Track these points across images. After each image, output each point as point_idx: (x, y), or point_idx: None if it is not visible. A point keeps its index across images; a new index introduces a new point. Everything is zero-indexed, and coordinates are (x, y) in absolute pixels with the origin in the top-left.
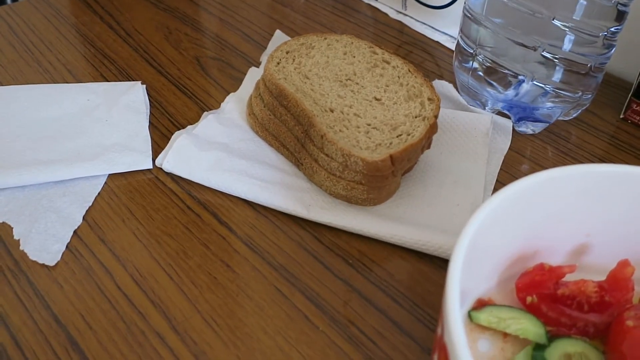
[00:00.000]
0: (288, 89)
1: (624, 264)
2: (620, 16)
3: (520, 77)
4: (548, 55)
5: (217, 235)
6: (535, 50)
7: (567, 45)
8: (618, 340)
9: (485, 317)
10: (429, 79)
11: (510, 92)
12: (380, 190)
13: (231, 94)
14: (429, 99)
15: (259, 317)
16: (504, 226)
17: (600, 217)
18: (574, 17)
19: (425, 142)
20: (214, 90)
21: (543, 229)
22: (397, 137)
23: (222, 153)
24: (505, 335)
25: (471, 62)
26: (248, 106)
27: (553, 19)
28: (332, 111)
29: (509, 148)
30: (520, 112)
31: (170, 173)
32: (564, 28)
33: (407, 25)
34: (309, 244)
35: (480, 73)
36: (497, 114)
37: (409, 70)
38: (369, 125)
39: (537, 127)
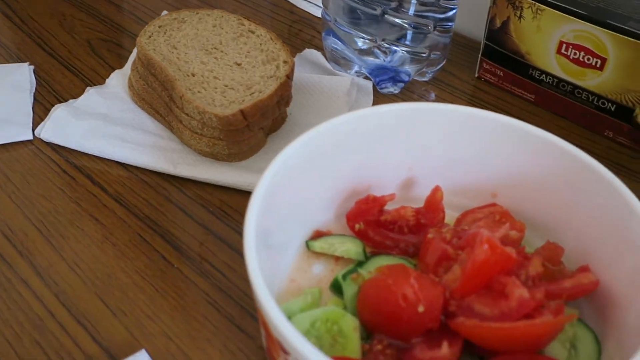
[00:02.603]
0: (155, 57)
1: (435, 190)
2: None
3: (373, 40)
4: (396, 20)
5: (89, 194)
6: (382, 14)
7: (409, 8)
8: (423, 253)
9: (319, 244)
10: (287, 45)
11: (388, 59)
12: (240, 145)
13: (116, 71)
14: (284, 62)
15: (119, 260)
16: (326, 162)
17: (419, 151)
18: None
19: (281, 99)
20: (102, 69)
21: (370, 165)
22: (250, 95)
23: (98, 121)
24: (337, 259)
25: (331, 30)
26: (129, 79)
27: None
28: (193, 75)
29: None
30: (381, 74)
31: (50, 143)
32: None
33: (295, 5)
34: (174, 196)
35: (341, 40)
36: (364, 78)
37: (271, 38)
38: (226, 86)
39: (397, 88)
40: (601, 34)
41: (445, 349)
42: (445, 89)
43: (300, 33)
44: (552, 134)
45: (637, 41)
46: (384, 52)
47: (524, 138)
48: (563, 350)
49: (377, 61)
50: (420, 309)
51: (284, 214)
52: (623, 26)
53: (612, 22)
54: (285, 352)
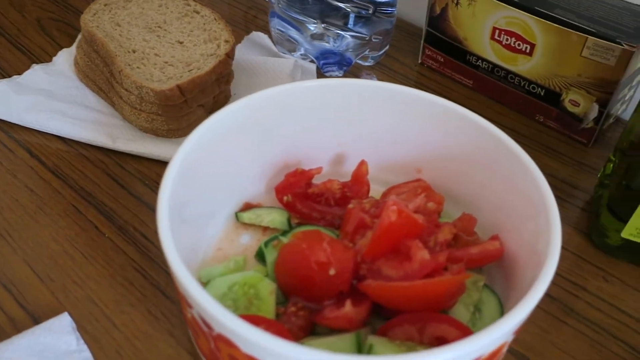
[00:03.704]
0: (98, 34)
1: (361, 164)
2: None
3: (316, 22)
4: (339, 4)
5: (27, 166)
6: None
7: None
8: (344, 222)
9: (247, 215)
10: (229, 25)
11: (337, 43)
12: (179, 121)
13: (64, 49)
14: (226, 41)
15: (51, 229)
16: (254, 135)
17: (348, 128)
18: None
19: (220, 77)
20: (50, 47)
21: (301, 139)
22: (189, 71)
23: (40, 97)
24: (265, 229)
25: (276, 12)
26: (75, 56)
27: None
28: (134, 52)
29: None
30: (326, 58)
31: None
32: None
33: None
34: (112, 170)
35: (287, 22)
36: (310, 61)
37: (215, 19)
38: (166, 62)
39: (341, 71)
40: (530, 20)
41: (348, 307)
42: (388, 74)
43: (255, 19)
44: (468, 109)
45: (562, 28)
46: (334, 37)
47: (443, 114)
48: (466, 313)
49: (327, 45)
50: (332, 272)
51: (208, 185)
52: (549, 13)
53: (539, 9)
54: (190, 306)
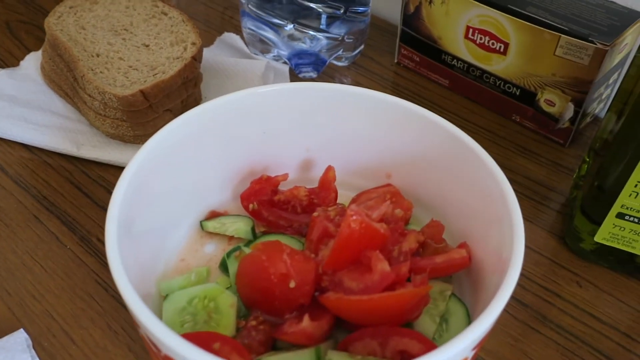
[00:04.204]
0: (61, 38)
1: (328, 170)
2: None
3: (285, 23)
4: (310, 4)
5: None
6: None
7: None
8: (309, 231)
9: (212, 224)
10: (205, 26)
11: (313, 44)
12: (145, 126)
13: (32, 53)
14: (193, 43)
15: (11, 241)
16: (217, 141)
17: (315, 132)
18: None
19: (187, 81)
20: (18, 51)
21: (267, 145)
22: (153, 75)
23: (4, 103)
24: (230, 239)
25: (246, 13)
26: (41, 61)
27: None
28: (98, 56)
29: None
30: (301, 58)
31: None
32: None
33: None
34: (76, 177)
35: (259, 21)
36: (283, 62)
37: (183, 20)
38: (130, 67)
39: (316, 72)
40: (502, 19)
41: (305, 322)
42: (364, 74)
43: (231, 20)
44: (442, 109)
45: (535, 26)
46: (310, 38)
47: (411, 118)
48: (432, 324)
49: (303, 46)
50: (292, 284)
51: (169, 194)
52: (522, 11)
53: (512, 7)
54: (138, 326)
